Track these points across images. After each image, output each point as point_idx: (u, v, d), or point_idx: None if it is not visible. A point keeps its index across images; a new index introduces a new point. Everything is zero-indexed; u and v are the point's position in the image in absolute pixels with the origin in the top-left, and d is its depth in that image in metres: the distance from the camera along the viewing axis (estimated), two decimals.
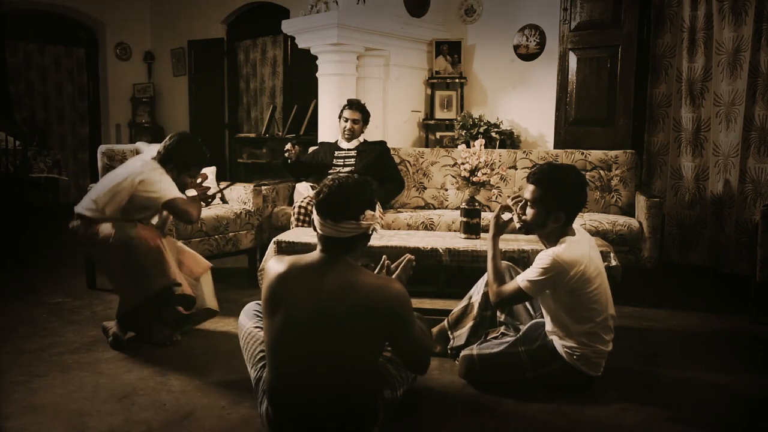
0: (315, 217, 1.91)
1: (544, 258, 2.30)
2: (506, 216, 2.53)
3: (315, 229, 1.94)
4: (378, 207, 3.92)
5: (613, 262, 2.81)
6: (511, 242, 3.05)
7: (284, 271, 1.91)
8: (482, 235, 3.29)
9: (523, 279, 2.35)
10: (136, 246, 2.80)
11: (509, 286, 2.40)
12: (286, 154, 4.17)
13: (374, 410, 1.98)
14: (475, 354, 2.48)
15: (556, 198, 2.34)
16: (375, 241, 3.11)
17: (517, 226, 2.47)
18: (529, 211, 2.40)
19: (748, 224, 4.02)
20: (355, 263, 1.97)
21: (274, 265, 1.95)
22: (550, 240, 2.39)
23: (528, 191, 2.40)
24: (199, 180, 4.33)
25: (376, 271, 2.26)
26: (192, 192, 3.27)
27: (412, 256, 2.33)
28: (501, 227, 2.54)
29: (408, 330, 1.96)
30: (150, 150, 3.29)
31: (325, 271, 1.90)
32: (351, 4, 5.01)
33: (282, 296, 1.90)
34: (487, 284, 2.64)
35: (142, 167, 2.96)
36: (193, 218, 3.05)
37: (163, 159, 3.03)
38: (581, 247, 2.33)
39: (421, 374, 2.26)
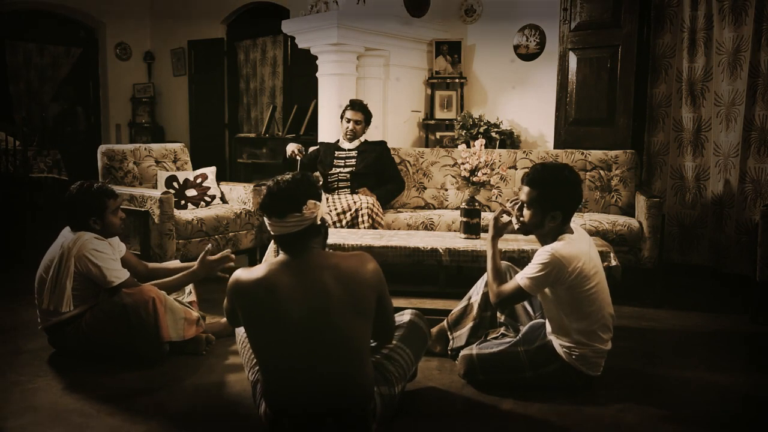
0: (264, 220, 1.98)
1: (542, 254, 2.32)
2: (505, 218, 2.55)
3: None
4: (377, 206, 3.92)
5: (613, 262, 2.81)
6: (510, 242, 3.05)
7: (264, 278, 1.91)
8: (482, 235, 3.29)
9: (522, 277, 2.36)
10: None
11: (509, 286, 2.41)
12: (292, 156, 4.15)
13: (372, 406, 1.98)
14: (475, 354, 2.48)
15: (551, 198, 2.36)
16: (375, 240, 3.11)
17: (516, 227, 2.49)
18: (526, 213, 2.42)
19: (748, 224, 4.02)
20: (322, 251, 2.02)
21: (245, 274, 1.95)
22: (548, 239, 2.40)
23: (523, 193, 2.42)
24: (199, 180, 4.35)
25: None
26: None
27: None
28: (500, 229, 2.56)
29: (387, 296, 2.05)
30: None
31: (302, 268, 1.92)
32: (351, 4, 5.01)
33: (271, 302, 1.89)
34: (486, 285, 2.65)
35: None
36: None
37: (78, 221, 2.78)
38: (579, 245, 2.35)
39: (389, 344, 2.20)
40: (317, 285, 1.88)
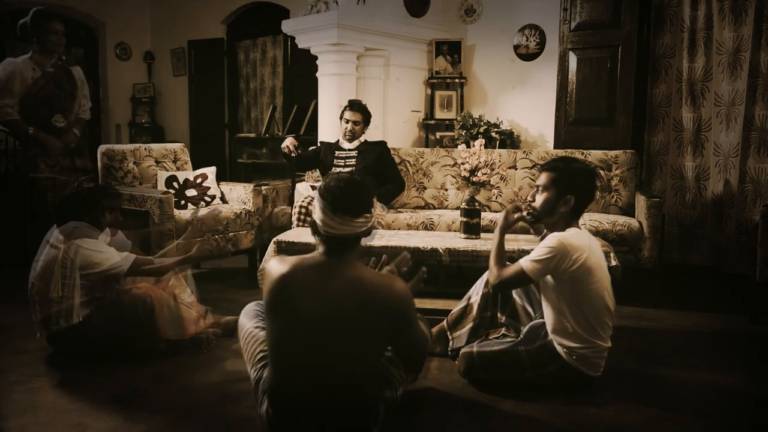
0: (327, 217, 1.89)
1: (550, 239, 2.35)
2: (516, 215, 2.57)
3: (318, 231, 1.93)
4: (381, 205, 3.92)
5: (613, 262, 2.81)
6: (511, 242, 3.05)
7: (288, 272, 1.90)
8: (482, 235, 3.30)
9: (525, 260, 2.37)
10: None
11: (511, 268, 2.42)
12: (286, 151, 4.16)
13: (374, 411, 1.98)
14: (475, 351, 2.49)
15: (568, 182, 2.40)
16: (375, 240, 3.11)
17: (525, 214, 2.52)
18: (540, 197, 2.46)
19: (748, 224, 4.02)
20: (357, 261, 1.98)
21: (276, 265, 1.94)
22: (557, 229, 2.41)
23: (540, 178, 2.47)
24: (199, 180, 4.35)
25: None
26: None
27: (408, 254, 2.36)
28: (510, 223, 2.58)
29: (410, 328, 1.98)
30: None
31: (330, 271, 1.90)
32: (351, 4, 5.01)
33: (287, 297, 1.89)
34: (486, 284, 2.65)
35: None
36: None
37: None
38: (584, 239, 2.38)
39: (416, 372, 2.26)
40: (335, 291, 1.86)
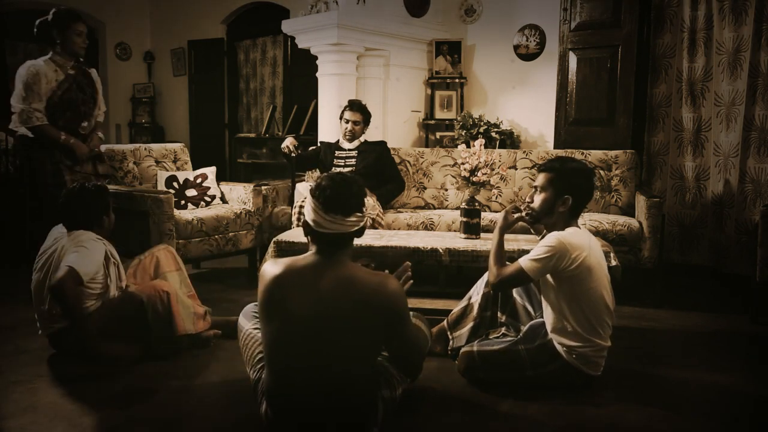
0: (319, 216, 1.90)
1: (549, 238, 2.36)
2: (516, 215, 2.58)
3: (311, 230, 1.94)
4: (378, 206, 3.92)
5: (613, 262, 2.81)
6: (511, 242, 3.05)
7: (281, 273, 1.91)
8: (482, 235, 3.30)
9: (525, 259, 2.38)
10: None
11: (510, 268, 2.43)
12: (286, 151, 4.18)
13: (374, 410, 1.98)
14: (476, 350, 2.49)
15: (565, 182, 2.41)
16: (375, 240, 3.11)
17: (524, 215, 2.54)
18: (538, 198, 2.47)
19: (748, 224, 4.02)
20: (351, 261, 1.98)
21: (269, 267, 1.94)
22: (556, 229, 2.42)
23: (538, 179, 2.48)
24: (199, 180, 4.35)
25: None
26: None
27: (409, 263, 2.35)
28: (509, 224, 2.59)
29: (404, 327, 1.98)
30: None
31: (323, 271, 1.90)
32: (351, 4, 5.01)
33: (280, 298, 1.89)
34: (487, 284, 2.65)
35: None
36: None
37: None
38: (584, 238, 2.39)
39: (414, 377, 2.25)
40: (329, 291, 1.86)
